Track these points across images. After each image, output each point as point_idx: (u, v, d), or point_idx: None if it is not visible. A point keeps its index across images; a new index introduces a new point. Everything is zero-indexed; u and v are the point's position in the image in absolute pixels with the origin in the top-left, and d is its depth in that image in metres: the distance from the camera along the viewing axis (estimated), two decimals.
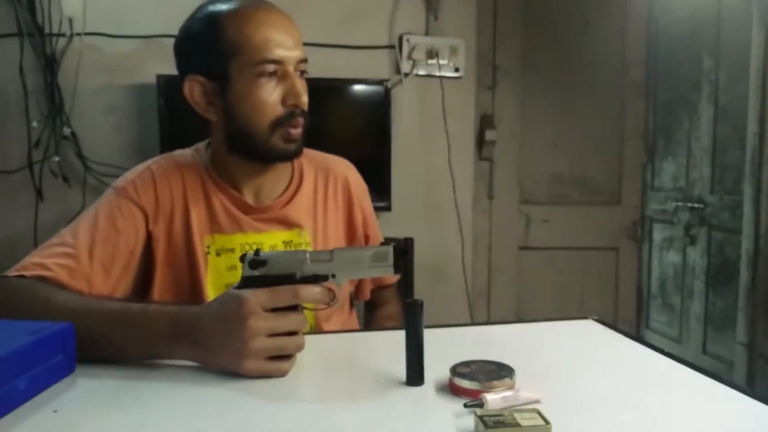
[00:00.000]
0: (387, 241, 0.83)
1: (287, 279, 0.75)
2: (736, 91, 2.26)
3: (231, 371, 0.74)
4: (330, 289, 0.77)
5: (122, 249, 0.99)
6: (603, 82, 2.85)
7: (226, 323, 0.73)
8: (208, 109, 1.02)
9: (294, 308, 0.75)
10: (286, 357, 0.75)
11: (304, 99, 1.00)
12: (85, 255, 0.94)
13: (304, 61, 1.02)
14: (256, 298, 0.73)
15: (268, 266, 0.76)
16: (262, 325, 0.72)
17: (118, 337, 0.78)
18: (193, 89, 1.01)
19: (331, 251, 0.77)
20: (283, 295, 0.74)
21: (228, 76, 0.99)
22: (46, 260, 0.92)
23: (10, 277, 0.89)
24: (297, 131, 1.01)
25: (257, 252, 0.76)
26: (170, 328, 0.76)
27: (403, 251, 0.78)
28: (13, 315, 0.79)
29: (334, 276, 0.77)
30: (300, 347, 0.76)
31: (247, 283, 0.75)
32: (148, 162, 1.08)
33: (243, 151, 1.03)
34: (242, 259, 0.77)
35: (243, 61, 0.97)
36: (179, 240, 1.03)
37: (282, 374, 0.75)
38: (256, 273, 0.76)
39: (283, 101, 0.99)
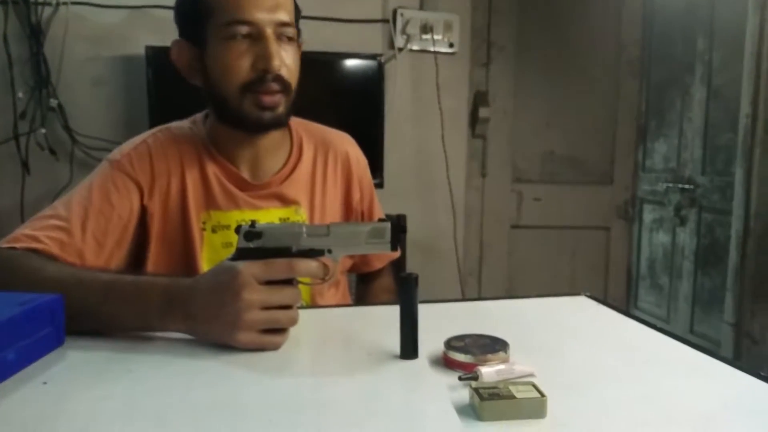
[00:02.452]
0: (388, 217, 0.83)
1: (282, 252, 0.74)
2: (729, 73, 2.26)
3: (224, 343, 0.73)
4: (325, 264, 0.76)
5: (115, 223, 0.97)
6: (597, 62, 2.84)
7: (219, 295, 0.72)
8: (191, 74, 1.02)
9: (289, 282, 0.74)
10: (280, 330, 0.75)
11: (276, 63, 0.95)
12: (77, 228, 0.93)
13: (287, 24, 0.97)
14: (251, 269, 0.72)
15: (264, 239, 0.74)
16: (256, 298, 0.71)
17: (110, 309, 0.77)
18: (179, 53, 1.02)
19: (328, 226, 0.76)
20: (278, 268, 0.73)
21: (205, 40, 0.98)
22: (38, 233, 0.90)
23: (0, 248, 0.88)
24: (270, 98, 0.96)
25: (253, 224, 0.75)
26: (162, 299, 0.75)
27: (401, 228, 0.76)
28: (3, 286, 0.78)
29: (330, 251, 0.76)
30: (294, 321, 0.75)
31: (241, 255, 0.74)
32: (145, 134, 1.06)
33: (225, 119, 1.02)
34: (237, 230, 0.75)
35: (216, 23, 0.96)
36: (175, 215, 1.02)
37: (275, 347, 0.74)
38: (251, 245, 0.74)
39: (254, 65, 0.95)
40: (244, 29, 0.94)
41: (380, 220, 0.78)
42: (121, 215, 0.98)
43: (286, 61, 0.97)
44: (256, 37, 0.95)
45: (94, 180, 0.99)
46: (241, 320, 0.71)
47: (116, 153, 1.03)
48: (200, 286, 0.74)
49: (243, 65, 0.95)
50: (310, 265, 0.74)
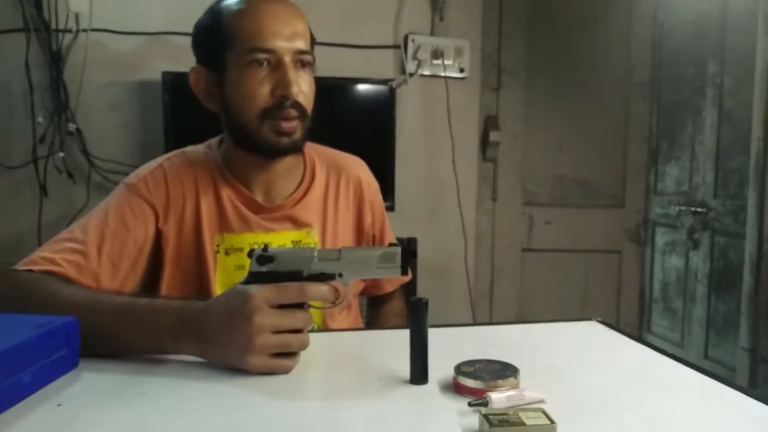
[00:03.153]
0: (399, 241, 0.83)
1: (294, 276, 0.75)
2: (740, 96, 2.26)
3: (235, 367, 0.74)
4: (336, 288, 0.76)
5: (131, 246, 0.98)
6: (607, 85, 2.84)
7: (231, 318, 0.73)
8: (208, 99, 1.04)
9: (300, 306, 0.75)
10: (291, 354, 0.75)
11: (295, 90, 0.97)
12: (93, 251, 0.95)
13: (305, 52, 1.00)
14: (263, 293, 0.72)
15: (276, 263, 0.75)
16: (268, 322, 0.72)
17: (124, 331, 0.78)
18: (197, 79, 1.04)
19: (339, 250, 0.77)
20: (289, 292, 0.73)
21: (224, 67, 1.00)
22: (55, 255, 0.92)
23: (18, 270, 0.89)
24: (289, 124, 0.98)
25: (265, 248, 0.76)
26: (175, 322, 0.76)
27: (412, 252, 0.77)
28: (20, 308, 0.80)
29: (341, 275, 0.76)
30: (304, 345, 0.76)
31: (254, 278, 0.75)
32: (161, 159, 1.08)
33: (242, 144, 1.03)
34: (250, 254, 0.76)
35: (236, 50, 0.98)
36: (189, 238, 1.03)
37: (286, 371, 0.74)
38: (263, 269, 0.75)
39: (273, 91, 0.98)
40: (263, 57, 0.97)
41: (391, 244, 0.79)
42: (137, 238, 0.99)
43: (303, 87, 0.99)
44: (276, 64, 0.97)
45: (110, 203, 1.01)
46: (253, 344, 0.72)
47: (132, 177, 1.05)
48: (213, 310, 0.75)
49: (262, 92, 0.97)
50: (321, 289, 0.75)
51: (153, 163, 1.07)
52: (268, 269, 0.75)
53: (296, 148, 1.04)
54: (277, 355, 0.74)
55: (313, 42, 1.06)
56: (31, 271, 0.89)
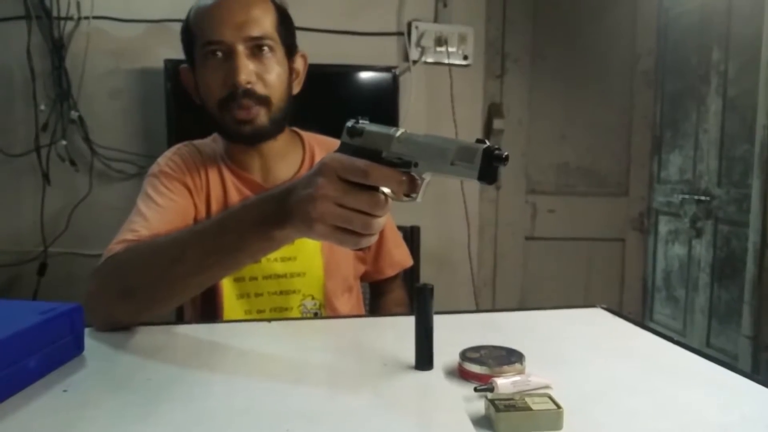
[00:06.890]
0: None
1: (373, 155, 0.68)
2: (745, 84, 2.24)
3: (305, 235, 0.70)
4: (405, 178, 0.67)
5: (185, 214, 1.03)
6: (612, 73, 2.83)
7: (303, 180, 0.70)
8: (194, 94, 1.09)
9: (374, 189, 0.67)
10: (359, 234, 0.69)
11: (242, 78, 0.98)
12: (158, 222, 0.97)
13: (259, 38, 1.00)
14: (333, 164, 0.67)
15: (363, 138, 0.71)
16: (331, 192, 0.66)
17: (232, 237, 0.75)
18: (185, 78, 1.10)
19: (421, 135, 0.68)
20: (355, 169, 0.66)
21: (195, 64, 1.05)
22: (126, 235, 0.94)
23: (108, 256, 0.90)
24: (244, 112, 1.00)
25: (357, 120, 0.73)
26: (274, 201, 0.73)
27: (495, 156, 0.61)
28: (131, 276, 0.84)
29: (416, 165, 0.67)
30: (368, 228, 0.68)
31: (341, 149, 0.72)
32: (173, 148, 1.13)
33: (218, 133, 1.09)
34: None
35: (197, 46, 1.03)
36: (202, 217, 1.07)
37: (351, 246, 0.70)
38: (351, 142, 0.72)
39: (225, 81, 1.00)
40: (215, 48, 1.00)
41: (478, 140, 0.64)
42: (187, 206, 1.04)
43: (262, 74, 1.01)
44: (227, 54, 1.00)
45: (147, 193, 1.04)
46: (314, 208, 0.67)
47: (154, 167, 1.09)
48: (298, 180, 0.72)
49: (216, 83, 1.01)
50: (387, 174, 0.66)
51: (168, 153, 1.12)
52: (356, 143, 0.71)
53: (263, 134, 1.05)
54: (346, 231, 0.68)
55: (286, 24, 1.06)
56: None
